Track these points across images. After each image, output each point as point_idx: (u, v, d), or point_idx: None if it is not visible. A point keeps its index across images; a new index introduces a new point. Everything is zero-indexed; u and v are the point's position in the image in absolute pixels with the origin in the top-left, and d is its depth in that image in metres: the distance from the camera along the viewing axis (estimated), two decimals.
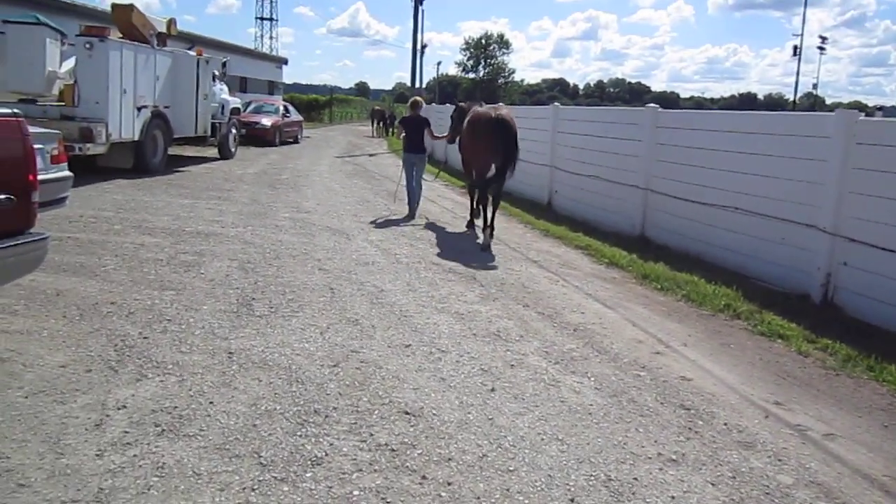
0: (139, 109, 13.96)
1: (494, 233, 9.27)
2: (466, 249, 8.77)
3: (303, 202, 11.79)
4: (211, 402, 3.88)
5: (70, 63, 13.14)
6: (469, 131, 9.79)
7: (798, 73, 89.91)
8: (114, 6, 14.80)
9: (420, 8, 31.98)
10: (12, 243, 3.85)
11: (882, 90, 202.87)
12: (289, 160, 20.21)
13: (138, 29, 14.61)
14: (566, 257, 8.87)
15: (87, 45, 12.49)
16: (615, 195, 10.81)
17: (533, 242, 9.69)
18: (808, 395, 4.68)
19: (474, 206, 10.44)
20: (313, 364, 4.54)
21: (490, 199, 9.31)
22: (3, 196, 3.74)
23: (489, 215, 9.24)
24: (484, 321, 5.77)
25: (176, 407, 3.79)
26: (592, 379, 4.70)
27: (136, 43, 14.05)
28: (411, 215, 11.01)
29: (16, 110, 3.94)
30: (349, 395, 4.10)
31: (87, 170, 13.03)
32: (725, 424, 4.10)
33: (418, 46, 33.92)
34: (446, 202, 13.16)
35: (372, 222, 10.22)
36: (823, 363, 5.31)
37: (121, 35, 14.08)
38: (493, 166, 9.17)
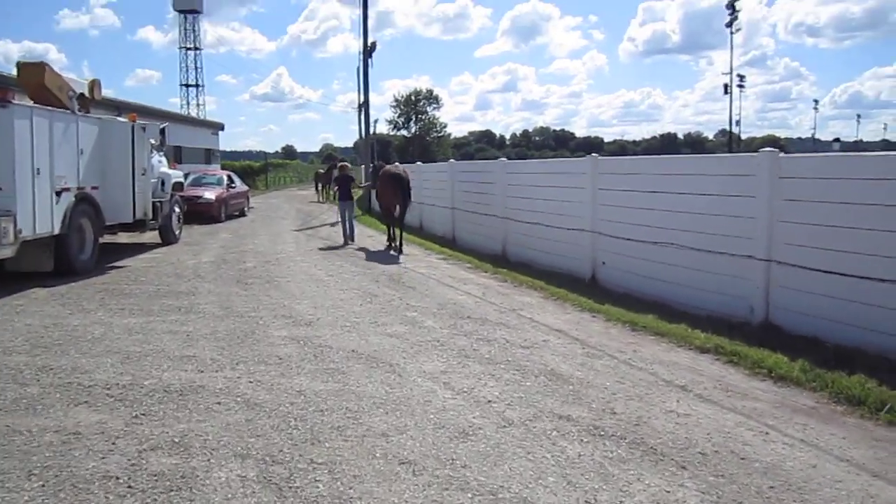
0: (59, 194, 10.70)
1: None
2: (564, 374, 5.90)
3: (293, 305, 8.72)
4: None
5: None
6: (380, 182, 15.54)
7: (731, 111, 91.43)
8: (20, 65, 11.65)
9: (370, 61, 29.48)
10: None
11: (788, 123, 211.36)
12: (245, 240, 17.00)
13: (53, 92, 11.46)
14: (706, 371, 6.13)
15: None
16: (709, 268, 8.22)
17: (639, 348, 6.89)
18: None
19: (389, 232, 15.50)
20: None
21: (398, 227, 14.96)
22: None
23: (397, 238, 14.81)
24: None
25: None
26: None
27: (50, 108, 10.86)
28: (347, 243, 15.76)
29: None
30: None
31: None
32: None
33: (366, 102, 31.30)
34: (472, 287, 10.28)
35: (405, 334, 7.25)
36: None
37: (32, 101, 10.91)
38: (396, 206, 14.78)
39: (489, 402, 5.16)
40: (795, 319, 7.16)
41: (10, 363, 6.02)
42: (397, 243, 14.63)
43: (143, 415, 4.79)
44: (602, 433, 4.58)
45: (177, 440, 4.33)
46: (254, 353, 6.41)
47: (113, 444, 4.27)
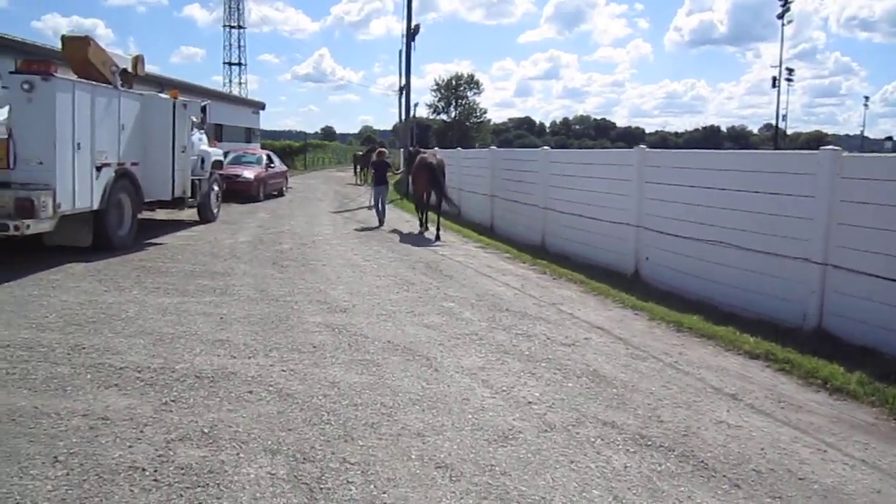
0: (99, 169, 10.68)
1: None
2: (607, 376, 5.65)
3: (329, 290, 8.57)
4: None
5: (3, 112, 9.80)
6: (414, 170, 16.12)
7: (778, 105, 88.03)
8: (65, 39, 11.61)
9: (412, 44, 29.11)
10: None
11: (835, 119, 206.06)
12: (282, 220, 16.97)
13: (97, 68, 11.43)
14: (756, 379, 5.83)
15: (27, 86, 9.24)
16: (760, 269, 7.87)
17: (685, 350, 6.60)
18: None
19: (421, 217, 15.64)
20: None
21: (435, 213, 14.87)
22: None
23: (435, 224, 14.65)
24: None
25: None
26: None
27: (93, 83, 10.83)
28: (381, 225, 16.28)
29: None
30: None
31: (30, 251, 9.75)
32: None
33: (408, 85, 31.01)
34: (511, 278, 10.04)
35: (443, 326, 7.06)
36: None
37: (75, 76, 10.90)
38: (432, 193, 14.91)
39: (529, 403, 4.94)
40: (851, 327, 6.80)
41: (44, 340, 5.95)
42: (435, 230, 14.59)
43: (173, 401, 4.66)
44: (649, 443, 4.33)
45: (206, 430, 4.19)
46: (288, 340, 6.27)
47: (141, 431, 4.14)
